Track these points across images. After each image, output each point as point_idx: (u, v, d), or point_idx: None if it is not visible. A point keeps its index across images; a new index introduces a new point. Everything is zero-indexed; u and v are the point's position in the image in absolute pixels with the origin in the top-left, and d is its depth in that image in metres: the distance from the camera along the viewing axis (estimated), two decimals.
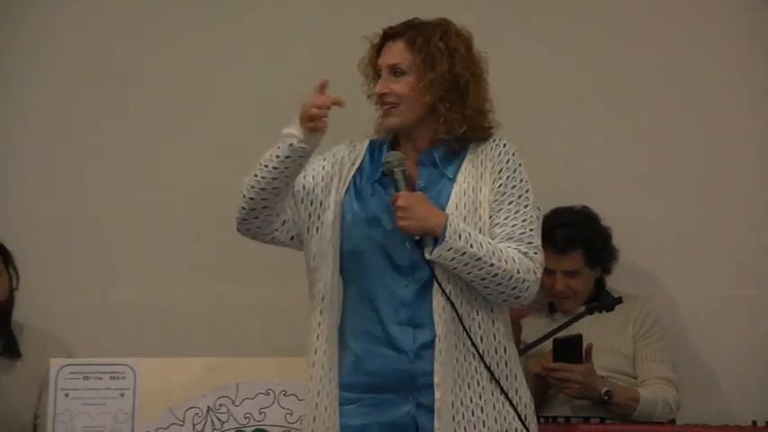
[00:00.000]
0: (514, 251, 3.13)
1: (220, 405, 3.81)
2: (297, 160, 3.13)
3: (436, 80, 3.20)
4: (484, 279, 3.10)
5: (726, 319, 4.40)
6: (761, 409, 4.33)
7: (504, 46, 4.38)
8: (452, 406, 3.10)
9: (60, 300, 4.50)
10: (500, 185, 3.19)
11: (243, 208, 3.19)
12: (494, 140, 3.26)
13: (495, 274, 3.09)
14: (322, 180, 3.25)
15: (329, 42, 4.39)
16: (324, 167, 3.26)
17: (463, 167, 3.23)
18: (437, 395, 3.09)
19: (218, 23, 4.61)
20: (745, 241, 4.42)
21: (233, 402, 3.81)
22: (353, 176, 3.26)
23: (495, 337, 3.17)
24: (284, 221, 3.23)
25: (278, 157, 3.12)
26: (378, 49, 3.28)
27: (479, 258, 3.08)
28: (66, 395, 3.81)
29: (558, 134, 4.45)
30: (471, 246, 3.08)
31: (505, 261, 3.10)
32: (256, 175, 3.15)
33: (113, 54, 4.61)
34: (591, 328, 4.09)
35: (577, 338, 3.95)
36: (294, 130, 3.12)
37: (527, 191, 3.20)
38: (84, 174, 4.62)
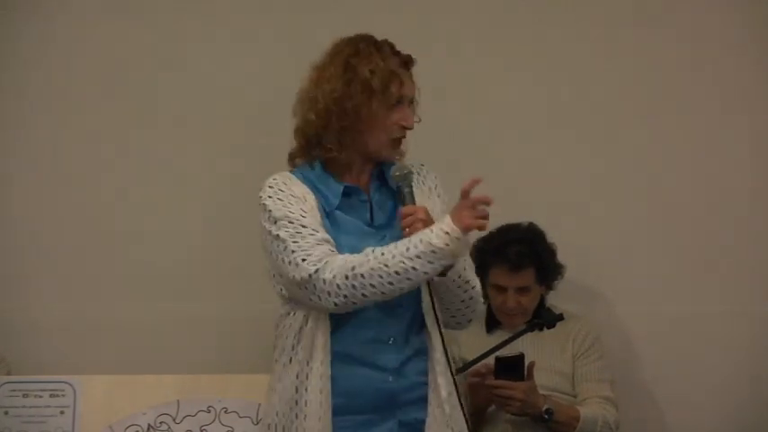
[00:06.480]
0: None
1: (161, 422, 3.79)
2: None
3: None
4: (459, 287, 3.09)
5: (665, 337, 4.42)
6: (700, 428, 4.38)
7: (459, 62, 4.45)
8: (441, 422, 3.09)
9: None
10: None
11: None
12: (421, 165, 3.22)
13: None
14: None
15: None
16: (303, 209, 3.09)
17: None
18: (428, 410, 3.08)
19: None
20: (686, 258, 4.44)
21: (174, 420, 3.80)
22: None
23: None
24: None
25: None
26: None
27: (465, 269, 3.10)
28: (6, 413, 3.79)
29: (500, 150, 4.47)
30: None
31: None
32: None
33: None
34: (530, 347, 4.10)
35: (520, 357, 3.96)
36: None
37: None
38: (21, 187, 4.53)
